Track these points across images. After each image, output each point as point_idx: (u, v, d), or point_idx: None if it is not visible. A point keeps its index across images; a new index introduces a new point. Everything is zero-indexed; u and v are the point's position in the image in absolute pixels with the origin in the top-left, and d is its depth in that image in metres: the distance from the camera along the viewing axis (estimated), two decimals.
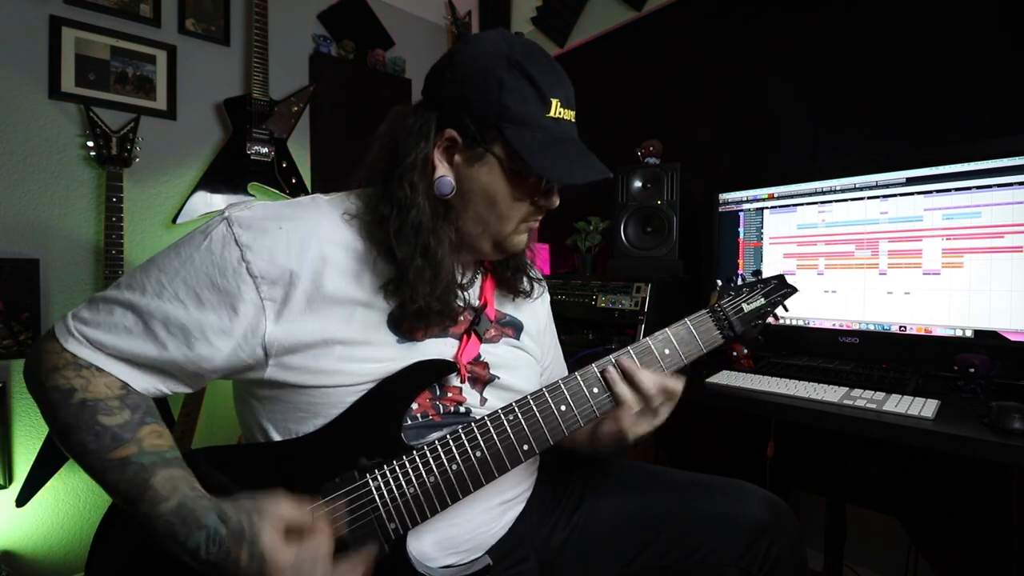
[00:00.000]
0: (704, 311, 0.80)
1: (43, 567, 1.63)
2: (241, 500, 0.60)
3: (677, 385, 0.74)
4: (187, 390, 0.68)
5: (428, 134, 0.68)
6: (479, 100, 0.66)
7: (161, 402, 1.70)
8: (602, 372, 0.73)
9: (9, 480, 1.57)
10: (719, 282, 0.87)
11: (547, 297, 0.97)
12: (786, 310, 0.88)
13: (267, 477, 0.65)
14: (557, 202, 0.73)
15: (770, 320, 0.86)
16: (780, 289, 0.87)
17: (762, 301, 0.85)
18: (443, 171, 0.69)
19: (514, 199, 0.70)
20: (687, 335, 0.77)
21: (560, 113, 0.68)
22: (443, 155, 0.69)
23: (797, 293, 0.89)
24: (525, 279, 0.84)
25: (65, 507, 1.68)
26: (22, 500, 1.54)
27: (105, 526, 0.67)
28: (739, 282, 0.87)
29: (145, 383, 0.64)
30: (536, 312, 0.90)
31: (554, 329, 0.99)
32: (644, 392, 0.71)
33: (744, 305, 0.83)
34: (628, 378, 0.72)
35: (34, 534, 1.62)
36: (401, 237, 0.66)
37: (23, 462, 1.59)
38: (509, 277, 0.83)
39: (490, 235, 0.72)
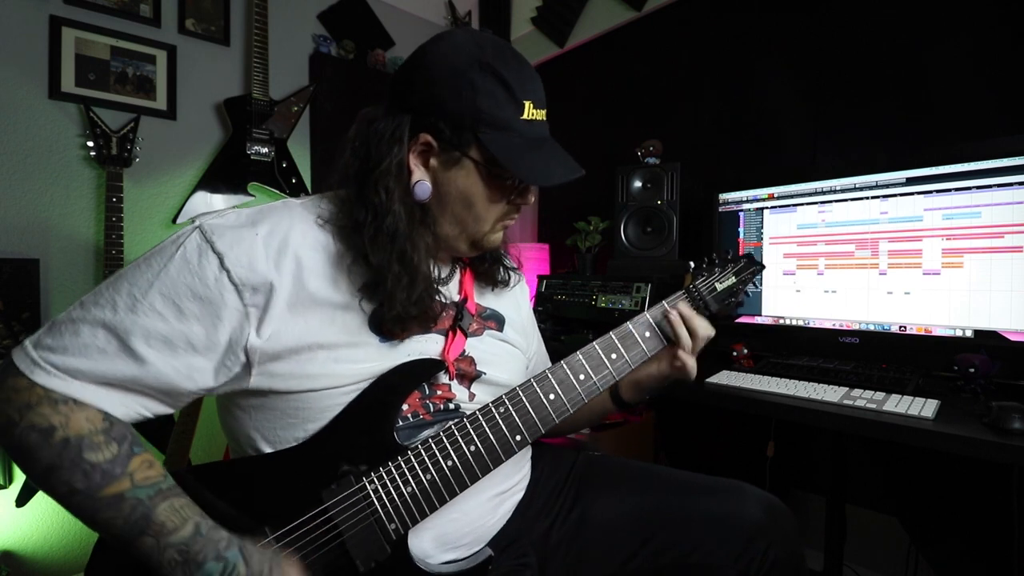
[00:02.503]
0: (680, 292, 0.84)
1: (43, 567, 1.63)
2: (264, 548, 0.61)
3: (711, 330, 0.82)
4: (167, 410, 0.65)
5: (402, 138, 0.67)
6: (453, 104, 0.65)
7: None
8: (663, 316, 0.81)
9: (9, 480, 1.57)
10: (691, 264, 0.90)
11: (526, 287, 0.98)
12: (755, 287, 0.93)
13: (263, 490, 0.64)
14: (532, 199, 0.75)
15: (743, 297, 0.92)
16: (749, 267, 0.91)
17: (733, 279, 0.88)
18: (419, 175, 0.69)
19: (491, 200, 0.70)
20: None
21: (533, 115, 0.68)
22: (418, 159, 0.69)
23: (765, 269, 0.95)
24: (502, 269, 0.85)
25: None
26: (22, 500, 1.54)
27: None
28: (708, 261, 0.90)
29: (125, 408, 0.61)
30: (518, 302, 0.91)
31: (535, 322, 1.00)
32: (704, 334, 0.80)
33: (717, 284, 0.87)
34: (687, 323, 0.80)
35: (34, 534, 1.62)
36: (376, 243, 0.66)
37: None
38: (487, 268, 0.83)
39: (467, 236, 0.73)
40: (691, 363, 0.81)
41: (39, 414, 0.56)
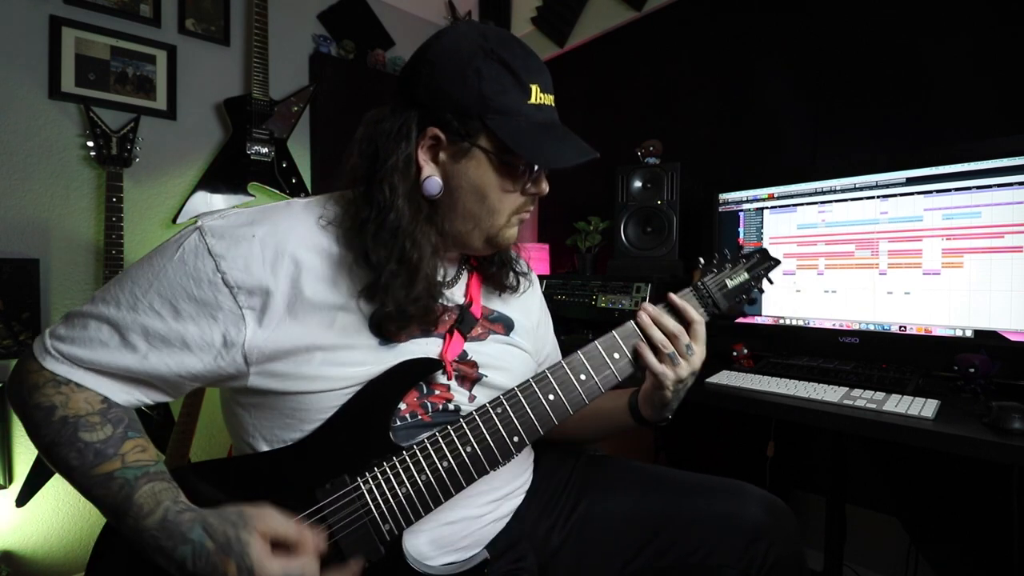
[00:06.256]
0: (687, 289, 0.80)
1: (43, 567, 1.63)
2: (227, 511, 0.60)
3: (695, 314, 0.75)
4: (167, 399, 0.68)
5: (409, 134, 0.67)
6: (459, 94, 0.64)
7: (161, 404, 1.71)
8: (636, 321, 0.75)
9: (9, 480, 1.57)
10: (701, 260, 0.85)
11: (538, 291, 0.96)
12: (771, 283, 0.87)
13: (259, 488, 0.64)
14: (546, 188, 0.73)
15: (758, 292, 0.85)
16: (764, 262, 0.86)
17: (746, 276, 0.83)
18: (429, 171, 0.68)
19: (504, 190, 0.69)
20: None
21: (540, 99, 0.67)
22: (427, 154, 0.68)
23: (780, 264, 0.88)
24: (511, 274, 0.83)
25: (65, 507, 1.68)
26: (22, 500, 1.55)
27: (107, 530, 0.67)
28: (720, 257, 0.85)
29: (125, 395, 0.64)
30: (528, 306, 0.89)
31: (550, 322, 0.99)
32: (671, 331, 0.73)
33: (728, 281, 0.82)
34: (656, 323, 0.74)
35: (34, 534, 1.62)
36: (378, 240, 0.65)
37: (23, 462, 1.59)
38: (495, 272, 0.82)
39: (481, 231, 0.71)
40: (660, 368, 0.73)
41: (44, 394, 0.60)
